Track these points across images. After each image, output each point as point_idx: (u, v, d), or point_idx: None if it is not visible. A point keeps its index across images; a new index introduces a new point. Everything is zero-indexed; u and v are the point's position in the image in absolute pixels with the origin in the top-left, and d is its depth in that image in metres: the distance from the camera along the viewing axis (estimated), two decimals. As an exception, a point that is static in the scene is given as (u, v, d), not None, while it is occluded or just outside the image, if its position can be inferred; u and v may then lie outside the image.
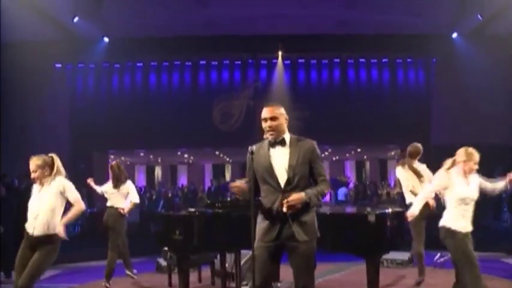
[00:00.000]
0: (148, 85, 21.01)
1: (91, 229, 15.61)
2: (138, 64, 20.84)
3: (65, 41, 18.14)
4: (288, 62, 20.86)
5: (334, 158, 29.18)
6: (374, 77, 20.89)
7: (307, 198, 4.24)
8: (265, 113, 4.55)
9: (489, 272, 7.77)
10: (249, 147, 4.48)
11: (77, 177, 19.52)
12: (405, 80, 20.66)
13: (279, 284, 7.01)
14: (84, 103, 20.15)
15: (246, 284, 7.15)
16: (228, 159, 28.40)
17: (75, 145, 19.66)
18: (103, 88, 20.83)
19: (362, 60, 20.82)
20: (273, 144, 4.52)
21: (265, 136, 4.54)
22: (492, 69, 17.45)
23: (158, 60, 20.77)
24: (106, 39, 18.59)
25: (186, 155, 27.68)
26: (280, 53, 20.38)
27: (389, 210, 5.47)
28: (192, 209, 6.83)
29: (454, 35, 18.44)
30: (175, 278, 7.54)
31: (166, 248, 7.30)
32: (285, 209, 4.22)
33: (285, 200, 4.20)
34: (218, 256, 7.49)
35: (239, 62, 21.15)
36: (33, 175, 5.48)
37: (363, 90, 20.80)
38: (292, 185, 4.34)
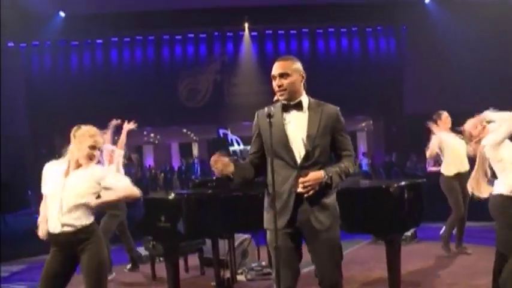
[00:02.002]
0: (110, 62, 20.15)
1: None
2: (98, 41, 19.88)
3: (16, 17, 16.97)
4: (255, 33, 20.28)
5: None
6: (344, 46, 20.49)
7: (328, 178, 3.40)
8: (275, 68, 3.58)
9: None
10: (266, 109, 3.46)
11: (39, 163, 18.75)
12: (376, 49, 20.29)
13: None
14: (41, 84, 19.16)
15: (242, 273, 6.53)
16: (195, 137, 27.72)
17: (34, 129, 18.67)
18: (61, 67, 19.87)
19: (331, 29, 20.35)
20: (286, 108, 3.56)
21: (275, 98, 3.60)
22: (465, 36, 17.14)
23: (119, 36, 19.84)
24: (62, 14, 17.52)
25: (152, 135, 26.87)
26: (246, 25, 19.79)
27: (406, 182, 4.85)
28: (180, 191, 6.10)
29: (427, 0, 18.03)
30: (159, 270, 6.84)
31: (149, 237, 6.57)
32: (300, 190, 3.37)
33: (301, 180, 3.35)
34: (207, 242, 6.83)
35: (204, 36, 20.44)
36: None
37: (333, 60, 20.39)
38: (311, 161, 3.47)
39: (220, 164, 3.44)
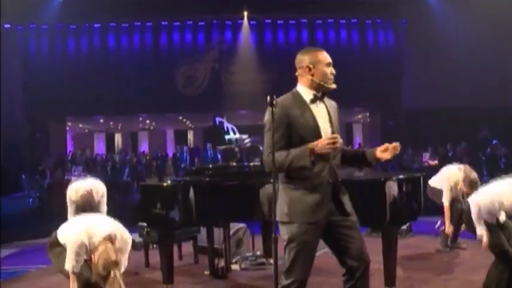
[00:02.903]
0: (107, 48, 20.00)
1: (49, 202, 14.62)
2: (96, 25, 19.72)
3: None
4: (253, 22, 20.16)
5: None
6: (343, 38, 20.42)
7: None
8: (328, 56, 3.54)
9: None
10: (285, 99, 3.42)
11: (33, 147, 18.63)
12: (375, 41, 20.23)
13: (271, 261, 6.36)
14: (38, 67, 19.00)
15: (236, 262, 6.50)
16: (190, 125, 27.62)
17: (30, 112, 18.56)
18: (58, 51, 19.72)
19: (330, 20, 20.26)
20: (313, 99, 3.48)
21: (328, 85, 3.48)
22: (465, 32, 17.08)
23: (117, 21, 19.68)
24: (60, -3, 17.36)
25: (147, 121, 26.72)
26: (245, 14, 19.66)
27: (404, 175, 4.83)
28: (176, 178, 6.05)
29: (428, -6, 17.98)
30: (152, 257, 6.81)
31: (143, 224, 6.51)
32: (386, 157, 3.41)
33: (394, 146, 3.39)
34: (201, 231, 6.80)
35: (203, 23, 20.32)
36: None
37: (331, 51, 19.81)
38: (337, 151, 3.47)
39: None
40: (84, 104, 18.81)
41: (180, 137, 27.25)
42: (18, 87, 18.37)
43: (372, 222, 4.73)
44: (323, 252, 7.39)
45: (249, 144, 6.81)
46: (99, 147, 27.11)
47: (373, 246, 6.87)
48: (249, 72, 19.95)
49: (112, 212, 7.40)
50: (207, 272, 6.28)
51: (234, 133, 17.75)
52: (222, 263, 6.24)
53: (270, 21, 20.21)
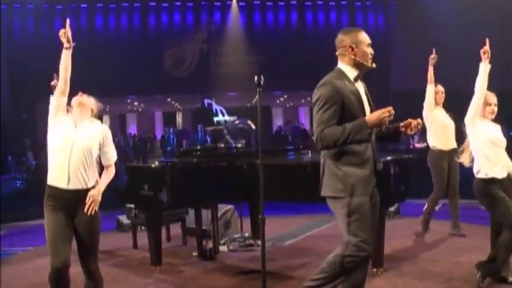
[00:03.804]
0: (94, 29, 19.76)
1: (36, 184, 14.50)
2: (82, 5, 19.48)
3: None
4: (242, 4, 20.04)
5: (288, 105, 28.68)
6: (332, 20, 20.31)
7: None
8: (368, 36, 3.65)
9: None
10: (335, 78, 3.49)
11: (19, 129, 18.44)
12: (364, 23, 20.12)
13: (259, 242, 6.36)
14: (23, 48, 18.76)
15: (224, 244, 6.50)
16: (179, 106, 27.50)
17: (15, 94, 18.35)
18: (44, 32, 19.42)
19: (320, 2, 20.18)
20: (356, 78, 3.58)
21: (369, 64, 3.57)
22: (455, 15, 17.04)
23: (104, 1, 19.45)
24: (46, -24, 17.10)
25: (135, 103, 26.56)
26: (234, -5, 19.49)
27: (392, 157, 4.83)
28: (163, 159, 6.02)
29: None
30: (140, 239, 6.79)
31: (131, 205, 6.48)
32: (410, 133, 3.59)
33: (417, 122, 3.55)
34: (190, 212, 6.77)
35: (191, 4, 20.15)
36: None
37: (321, 33, 20.21)
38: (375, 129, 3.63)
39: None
40: (71, 86, 18.54)
41: (169, 119, 27.16)
42: (2, 68, 18.12)
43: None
44: (308, 234, 7.46)
45: (238, 126, 6.79)
46: (87, 129, 26.94)
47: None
48: (237, 54, 19.86)
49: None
50: (195, 254, 6.28)
51: (223, 115, 17.69)
52: (210, 244, 6.24)
53: (258, 2, 20.12)
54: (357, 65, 3.58)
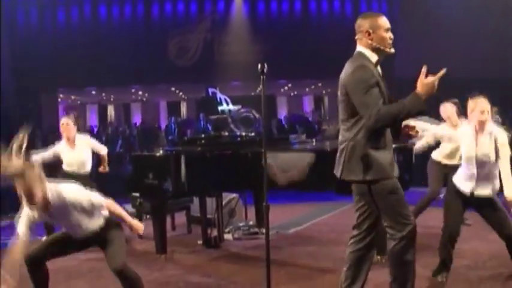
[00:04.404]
0: (98, 18, 19.66)
1: (43, 172, 14.58)
2: (86, -6, 19.39)
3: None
4: (246, -8, 19.86)
5: (292, 94, 28.62)
6: (336, 9, 20.16)
7: None
8: (387, 21, 3.65)
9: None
10: (363, 61, 3.52)
11: (24, 118, 18.47)
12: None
13: (263, 230, 6.40)
14: (27, 38, 18.66)
15: (229, 232, 6.54)
16: (183, 96, 27.47)
17: (20, 84, 18.34)
18: (47, 21, 19.37)
19: (324, -9, 20.00)
20: (376, 63, 3.61)
21: (387, 49, 3.59)
22: (460, 1, 16.93)
23: (108, -10, 19.38)
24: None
25: (140, 92, 26.48)
26: (238, -17, 19.39)
27: (395, 145, 4.82)
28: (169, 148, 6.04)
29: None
30: (145, 228, 6.79)
31: (136, 194, 6.51)
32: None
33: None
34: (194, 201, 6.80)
35: (195, -7, 19.99)
36: None
37: (325, 22, 20.09)
38: None
39: None
40: (76, 76, 18.61)
41: (173, 109, 27.14)
42: (6, 58, 18.11)
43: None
44: (313, 222, 7.49)
45: (243, 115, 6.79)
46: (92, 118, 26.99)
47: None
48: (241, 43, 19.78)
49: (105, 184, 7.43)
50: (200, 242, 6.33)
51: (227, 104, 17.69)
52: (214, 232, 6.28)
53: (262, -9, 19.97)
54: (375, 50, 3.58)
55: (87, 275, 5.35)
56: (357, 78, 3.46)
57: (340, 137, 3.65)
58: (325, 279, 4.87)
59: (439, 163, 6.64)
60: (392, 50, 3.62)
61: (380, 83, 3.50)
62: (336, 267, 5.23)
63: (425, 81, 3.34)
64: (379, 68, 3.60)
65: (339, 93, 3.65)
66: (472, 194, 4.44)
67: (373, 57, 3.58)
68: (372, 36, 3.55)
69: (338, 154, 3.65)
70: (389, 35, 3.60)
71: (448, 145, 6.49)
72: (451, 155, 6.47)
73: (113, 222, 3.95)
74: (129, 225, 3.97)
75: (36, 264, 3.82)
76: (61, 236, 3.93)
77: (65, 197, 3.70)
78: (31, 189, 3.48)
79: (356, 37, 3.66)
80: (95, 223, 3.87)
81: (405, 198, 3.62)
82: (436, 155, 6.73)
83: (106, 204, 3.92)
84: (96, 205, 3.85)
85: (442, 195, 7.49)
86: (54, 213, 3.74)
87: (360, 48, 3.63)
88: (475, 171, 4.38)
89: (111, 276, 5.00)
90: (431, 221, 6.33)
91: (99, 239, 3.91)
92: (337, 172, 3.65)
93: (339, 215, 7.95)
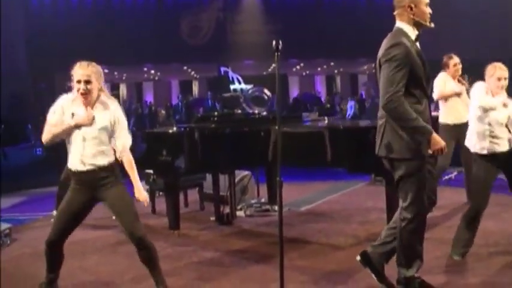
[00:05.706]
0: (111, -3, 19.67)
1: (55, 151, 14.66)
2: (99, -26, 19.36)
3: None
4: (259, -29, 19.74)
5: (304, 73, 28.53)
6: (349, -13, 20.02)
7: None
8: None
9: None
10: (403, 39, 3.50)
11: (38, 98, 18.59)
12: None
13: (275, 207, 6.45)
14: (41, 17, 18.75)
15: (241, 209, 6.59)
16: (195, 75, 27.46)
17: (34, 63, 18.41)
18: (61, 1, 19.40)
19: (337, -31, 19.83)
20: (416, 38, 3.59)
21: (428, 23, 3.57)
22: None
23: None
24: None
25: (152, 71, 26.56)
26: (251, -38, 19.26)
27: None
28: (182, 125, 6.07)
29: None
30: (159, 204, 6.91)
31: (149, 171, 6.56)
32: None
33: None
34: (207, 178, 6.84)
35: (207, -29, 19.91)
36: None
37: (337, 2, 19.95)
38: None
39: None
40: (88, 55, 18.51)
41: (185, 87, 27.14)
42: (20, 38, 18.17)
43: (377, 169, 4.71)
44: (324, 200, 7.52)
45: (255, 94, 6.80)
46: (104, 97, 27.06)
47: (375, 194, 6.99)
48: (254, 22, 19.72)
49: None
50: (212, 219, 6.38)
51: (240, 83, 17.66)
52: (227, 209, 6.33)
53: (275, -31, 19.84)
54: (416, 24, 3.57)
55: (103, 250, 5.43)
56: (391, 53, 3.47)
57: (378, 113, 3.67)
58: (337, 256, 4.90)
59: (448, 125, 6.54)
60: (432, 25, 3.59)
61: (415, 62, 3.47)
62: (347, 244, 5.28)
63: (441, 144, 3.48)
64: (417, 44, 3.58)
65: (376, 69, 3.67)
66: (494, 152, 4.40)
67: (413, 33, 3.57)
68: (414, 11, 3.54)
69: (377, 129, 3.69)
70: (429, 9, 3.58)
71: (458, 104, 6.48)
72: (462, 113, 6.33)
73: (119, 180, 3.88)
74: (136, 189, 3.93)
75: (55, 246, 3.84)
76: (66, 206, 3.85)
77: (114, 108, 3.85)
78: (92, 89, 3.77)
79: (395, 12, 3.63)
80: (103, 158, 3.79)
81: (425, 187, 3.60)
82: (444, 118, 6.64)
83: (128, 154, 3.92)
84: (123, 140, 3.87)
85: (453, 175, 7.49)
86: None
87: (399, 24, 3.62)
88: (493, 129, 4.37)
89: (124, 251, 5.12)
90: (441, 200, 6.34)
91: (105, 195, 3.82)
92: (376, 148, 3.70)
93: (351, 193, 7.96)
